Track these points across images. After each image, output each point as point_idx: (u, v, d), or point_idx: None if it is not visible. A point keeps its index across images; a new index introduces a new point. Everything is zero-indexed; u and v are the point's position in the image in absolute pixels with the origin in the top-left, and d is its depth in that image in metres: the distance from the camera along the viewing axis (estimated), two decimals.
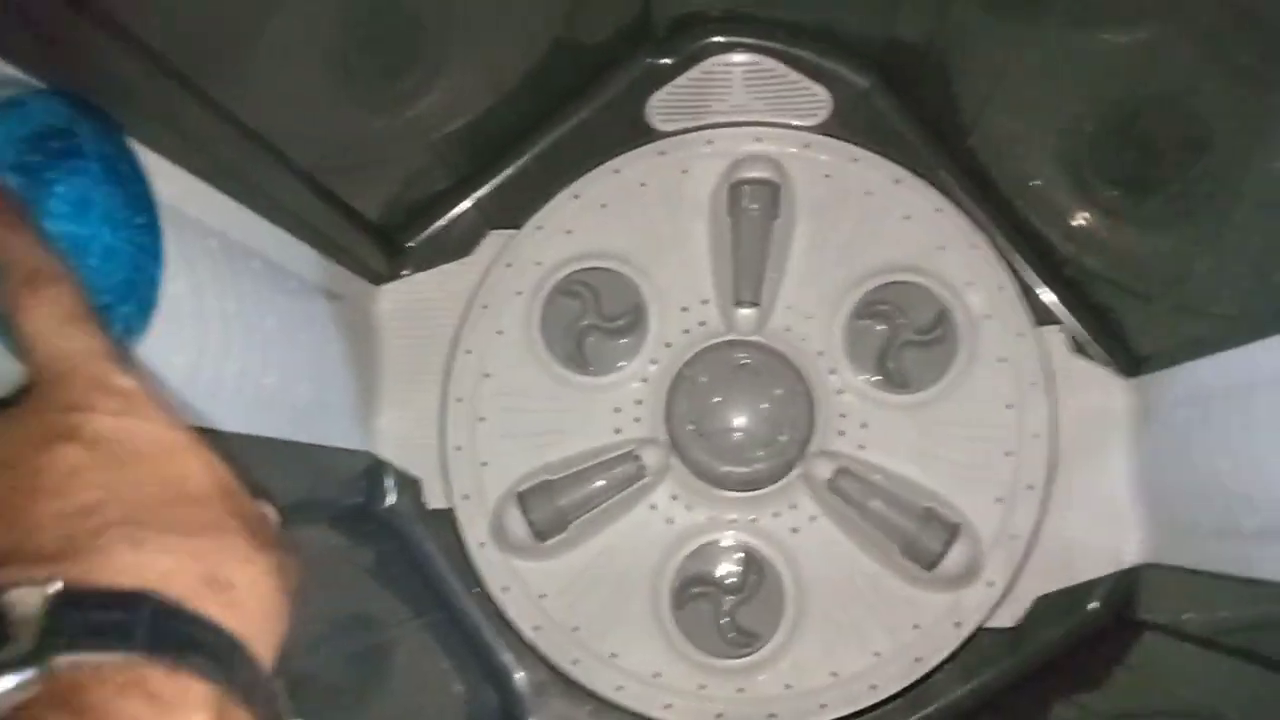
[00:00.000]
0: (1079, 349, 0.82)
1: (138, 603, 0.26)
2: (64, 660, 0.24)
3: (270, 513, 0.33)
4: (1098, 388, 0.81)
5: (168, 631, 0.26)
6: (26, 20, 0.40)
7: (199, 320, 0.54)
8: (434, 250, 0.86)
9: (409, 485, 0.83)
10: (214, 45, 0.56)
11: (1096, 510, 0.80)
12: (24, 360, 0.31)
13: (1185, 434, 0.72)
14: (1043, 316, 0.83)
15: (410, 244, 0.85)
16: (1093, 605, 0.80)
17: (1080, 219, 0.79)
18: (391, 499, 0.82)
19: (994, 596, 0.79)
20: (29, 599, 0.25)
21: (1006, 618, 0.79)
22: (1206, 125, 0.65)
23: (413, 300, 0.84)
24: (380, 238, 0.83)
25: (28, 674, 0.24)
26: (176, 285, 0.50)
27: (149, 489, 0.29)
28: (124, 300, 0.45)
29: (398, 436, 0.83)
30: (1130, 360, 0.81)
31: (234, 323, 0.59)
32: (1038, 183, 0.80)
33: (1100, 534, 0.80)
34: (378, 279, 0.84)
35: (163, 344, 0.49)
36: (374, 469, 0.82)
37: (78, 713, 0.24)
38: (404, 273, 0.85)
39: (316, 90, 0.69)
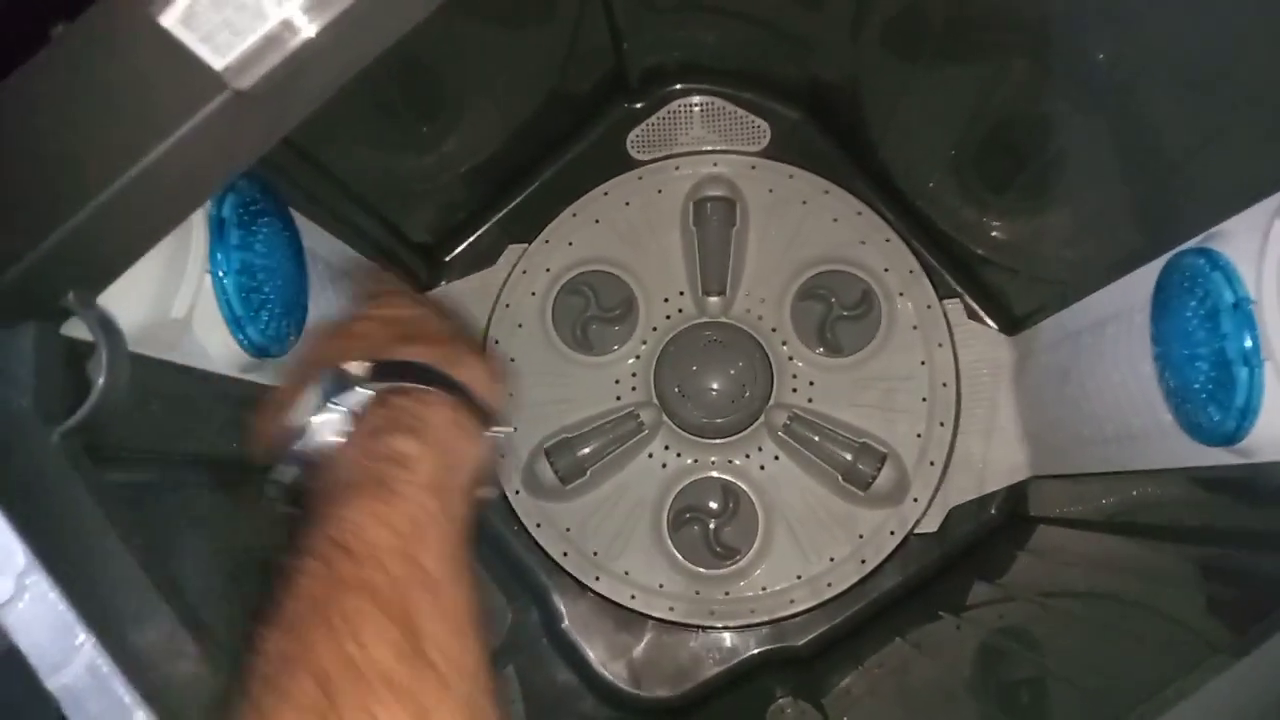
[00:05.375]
0: (972, 315, 0.97)
1: (408, 367, 0.51)
2: (381, 385, 0.50)
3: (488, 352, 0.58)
4: (988, 344, 0.96)
5: (428, 377, 0.51)
6: None
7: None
8: (465, 262, 1.01)
9: None
10: (319, 119, 0.75)
11: (993, 439, 0.95)
12: None
13: (1053, 371, 0.85)
14: (944, 292, 0.97)
15: (446, 258, 1.02)
16: (994, 510, 0.96)
17: (965, 214, 0.93)
18: None
19: (919, 509, 0.94)
20: (359, 369, 0.50)
21: (930, 525, 0.95)
22: (1038, 135, 0.76)
23: (451, 303, 0.99)
24: (424, 254, 0.99)
25: (368, 390, 0.50)
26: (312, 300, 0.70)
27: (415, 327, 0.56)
28: (290, 311, 0.65)
29: None
30: (1009, 321, 0.96)
31: None
32: (931, 186, 0.94)
33: (996, 457, 0.95)
34: (423, 287, 1.00)
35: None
36: None
37: (385, 403, 0.49)
38: (443, 282, 1.01)
39: (375, 137, 0.84)
